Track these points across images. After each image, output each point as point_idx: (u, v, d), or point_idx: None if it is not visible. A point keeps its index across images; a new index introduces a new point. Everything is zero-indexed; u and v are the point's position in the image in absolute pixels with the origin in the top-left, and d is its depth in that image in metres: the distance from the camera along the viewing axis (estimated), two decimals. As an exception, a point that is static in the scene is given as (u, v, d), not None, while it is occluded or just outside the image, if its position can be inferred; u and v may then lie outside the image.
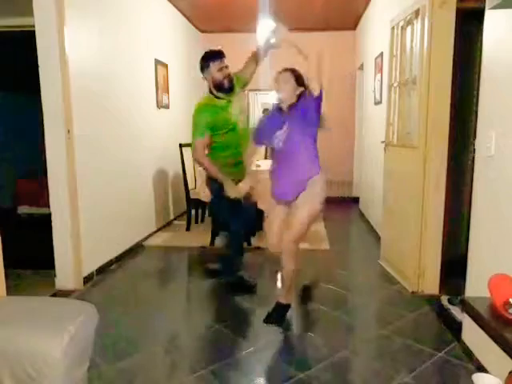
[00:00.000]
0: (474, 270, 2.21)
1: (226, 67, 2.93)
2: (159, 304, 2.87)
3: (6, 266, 1.87)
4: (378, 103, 4.86)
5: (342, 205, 6.64)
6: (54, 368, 1.21)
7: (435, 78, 2.85)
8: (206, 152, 3.01)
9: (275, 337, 2.50)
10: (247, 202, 3.05)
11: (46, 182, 3.06)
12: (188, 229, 4.89)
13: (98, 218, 3.48)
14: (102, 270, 3.53)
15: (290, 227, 2.50)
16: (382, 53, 4.52)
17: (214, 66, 2.90)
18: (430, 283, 3.03)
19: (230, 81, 2.92)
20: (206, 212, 5.12)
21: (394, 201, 3.54)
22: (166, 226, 5.17)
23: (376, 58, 4.90)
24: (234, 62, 3.08)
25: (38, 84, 2.94)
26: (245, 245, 3.44)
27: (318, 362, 2.17)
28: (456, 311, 2.70)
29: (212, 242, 4.23)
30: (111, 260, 3.71)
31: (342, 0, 5.27)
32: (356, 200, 6.55)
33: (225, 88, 2.91)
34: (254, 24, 5.36)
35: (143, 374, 2.12)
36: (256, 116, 6.93)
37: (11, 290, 2.01)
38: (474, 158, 2.24)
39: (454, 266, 2.95)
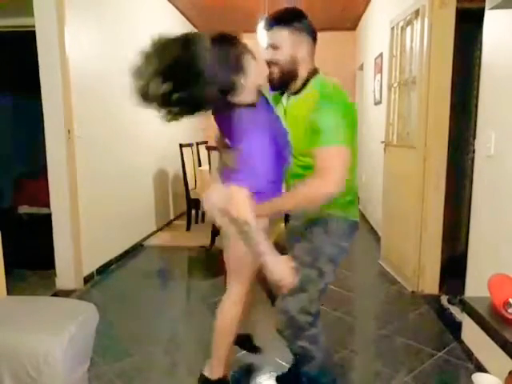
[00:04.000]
0: (473, 270, 2.21)
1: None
2: (159, 304, 2.87)
3: (6, 266, 1.88)
4: (377, 103, 4.86)
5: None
6: (54, 368, 1.21)
7: (435, 78, 2.85)
8: None
9: (275, 337, 2.49)
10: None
11: (46, 182, 3.06)
12: (188, 229, 4.89)
13: (98, 218, 3.48)
14: (103, 269, 3.53)
15: None
16: (381, 53, 4.52)
17: None
18: (430, 283, 3.03)
19: None
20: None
21: (393, 201, 3.54)
22: (165, 226, 5.17)
23: (376, 58, 4.90)
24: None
25: (38, 84, 2.94)
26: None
27: (318, 361, 2.17)
28: (456, 311, 2.70)
29: (212, 242, 4.22)
30: (111, 260, 3.71)
31: (342, 0, 5.27)
32: (356, 200, 6.53)
33: None
34: (253, 24, 5.36)
35: (143, 374, 2.12)
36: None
37: (11, 290, 2.01)
38: (473, 157, 2.24)
39: (454, 266, 2.95)
